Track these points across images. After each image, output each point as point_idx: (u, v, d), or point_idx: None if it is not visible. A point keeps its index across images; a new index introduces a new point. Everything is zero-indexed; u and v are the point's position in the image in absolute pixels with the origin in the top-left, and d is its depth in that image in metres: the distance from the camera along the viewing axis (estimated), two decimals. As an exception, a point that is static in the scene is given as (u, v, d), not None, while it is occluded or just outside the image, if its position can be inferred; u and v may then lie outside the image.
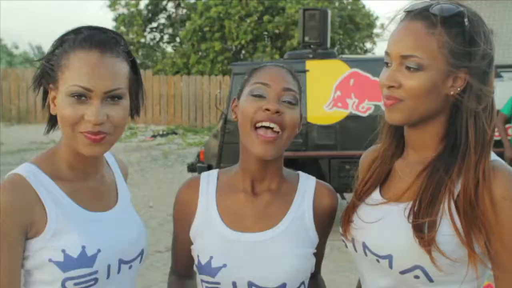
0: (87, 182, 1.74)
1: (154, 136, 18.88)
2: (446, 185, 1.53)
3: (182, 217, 1.89)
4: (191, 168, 8.99)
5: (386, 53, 1.60)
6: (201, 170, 8.36)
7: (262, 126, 1.71)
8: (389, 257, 1.56)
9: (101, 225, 1.70)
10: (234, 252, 1.75)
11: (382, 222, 1.62)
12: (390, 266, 1.57)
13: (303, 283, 1.78)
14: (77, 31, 1.66)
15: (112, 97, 1.61)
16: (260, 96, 1.73)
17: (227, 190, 1.86)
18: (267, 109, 1.69)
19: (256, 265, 1.73)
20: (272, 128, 1.70)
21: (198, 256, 1.78)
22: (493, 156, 1.58)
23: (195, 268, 1.81)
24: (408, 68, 1.54)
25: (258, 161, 1.77)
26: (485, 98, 1.57)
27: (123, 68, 1.66)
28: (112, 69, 1.62)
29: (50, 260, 1.57)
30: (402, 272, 1.55)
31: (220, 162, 7.85)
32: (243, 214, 1.81)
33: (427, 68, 1.52)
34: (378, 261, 1.61)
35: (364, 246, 1.65)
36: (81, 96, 1.58)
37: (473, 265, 1.51)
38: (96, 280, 1.62)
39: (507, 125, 7.36)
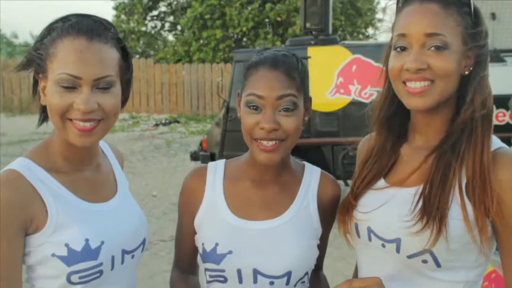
0: (84, 172, 1.72)
1: (156, 125, 18.87)
2: (454, 168, 1.52)
3: (188, 205, 1.89)
4: (194, 156, 9.00)
5: (402, 35, 1.56)
6: (204, 158, 8.39)
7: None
8: (397, 241, 1.55)
9: (102, 216, 1.68)
10: (239, 239, 1.75)
11: (388, 206, 1.61)
12: (398, 251, 1.55)
13: (306, 273, 1.78)
14: (65, 18, 1.62)
15: (102, 86, 1.57)
16: (256, 108, 1.70)
17: (234, 179, 1.87)
18: (263, 128, 1.68)
19: (261, 253, 1.73)
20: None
21: (203, 244, 1.78)
22: (500, 143, 1.57)
23: (199, 258, 1.81)
24: (435, 47, 1.51)
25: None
26: (487, 77, 1.59)
27: (113, 54, 1.62)
28: (100, 56, 1.57)
29: (53, 255, 1.55)
30: (410, 257, 1.53)
31: (223, 150, 7.85)
32: (250, 203, 1.82)
33: (451, 47, 1.52)
34: (383, 245, 1.59)
35: (370, 231, 1.64)
36: (70, 85, 1.54)
37: (484, 249, 1.50)
38: (101, 272, 1.61)
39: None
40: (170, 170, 11.84)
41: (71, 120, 1.56)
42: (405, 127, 1.73)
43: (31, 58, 1.63)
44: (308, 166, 1.92)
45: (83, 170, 1.72)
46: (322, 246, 1.88)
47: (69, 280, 1.55)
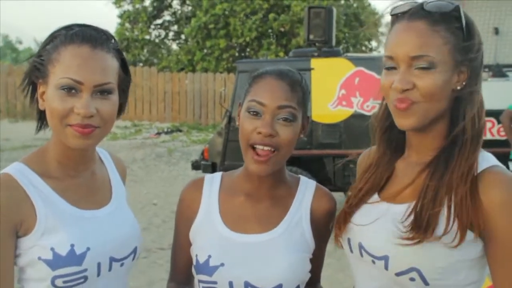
0: (78, 179, 1.75)
1: (158, 133, 18.88)
2: (445, 186, 1.52)
3: (184, 216, 1.91)
4: (195, 165, 9.01)
5: (389, 57, 1.57)
6: (205, 167, 8.39)
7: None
8: (385, 258, 1.55)
9: (91, 223, 1.70)
10: (232, 252, 1.77)
11: (378, 222, 1.61)
12: (386, 268, 1.55)
13: (298, 286, 1.78)
14: (68, 27, 1.68)
15: (102, 91, 1.63)
16: (256, 114, 1.74)
17: (230, 192, 1.89)
18: (260, 132, 1.71)
19: (252, 266, 1.75)
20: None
21: (196, 255, 1.80)
22: (494, 161, 1.56)
23: (193, 269, 1.82)
24: (420, 68, 1.51)
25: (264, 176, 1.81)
26: (480, 91, 1.59)
27: (113, 64, 1.68)
28: (102, 64, 1.64)
29: (39, 258, 1.58)
30: (398, 274, 1.53)
31: (224, 160, 7.86)
32: (243, 216, 1.84)
33: (438, 66, 1.51)
34: (373, 262, 1.59)
35: (360, 247, 1.64)
36: (71, 89, 1.59)
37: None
38: (85, 278, 1.62)
39: None
40: (171, 178, 11.85)
41: (70, 125, 1.61)
42: (403, 141, 1.73)
43: (34, 64, 1.68)
44: (303, 180, 1.93)
45: (77, 176, 1.75)
46: (318, 260, 1.89)
47: (53, 284, 1.58)
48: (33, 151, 1.76)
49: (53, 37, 1.67)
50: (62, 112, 1.59)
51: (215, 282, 1.75)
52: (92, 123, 1.61)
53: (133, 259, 1.80)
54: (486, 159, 1.56)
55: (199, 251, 1.80)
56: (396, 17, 1.61)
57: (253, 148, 1.74)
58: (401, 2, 1.62)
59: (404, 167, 1.68)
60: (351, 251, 1.69)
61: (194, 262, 1.80)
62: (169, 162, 13.97)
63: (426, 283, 1.50)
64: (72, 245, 1.60)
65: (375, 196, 1.70)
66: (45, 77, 1.65)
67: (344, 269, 5.85)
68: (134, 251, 1.79)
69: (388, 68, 1.59)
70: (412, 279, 1.51)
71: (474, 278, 1.54)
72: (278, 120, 1.72)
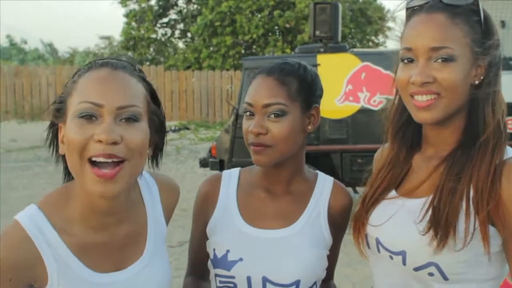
0: (103, 235, 1.50)
1: (166, 132, 18.89)
2: (463, 179, 1.50)
3: (202, 212, 1.91)
4: (203, 163, 8.99)
5: (408, 49, 1.54)
6: (213, 165, 8.39)
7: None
8: (402, 253, 1.54)
9: None
10: (250, 247, 1.78)
11: (396, 218, 1.60)
12: (404, 263, 1.54)
13: (315, 283, 1.79)
14: (89, 62, 1.50)
15: (127, 118, 1.38)
16: (251, 115, 1.77)
17: (248, 188, 1.90)
18: (252, 132, 1.74)
19: (271, 261, 1.75)
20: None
21: (214, 249, 1.80)
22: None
23: (209, 263, 1.83)
24: (441, 60, 1.49)
25: (266, 167, 1.83)
26: (499, 85, 1.58)
27: (139, 88, 1.45)
28: (125, 84, 1.41)
29: None
30: (416, 269, 1.52)
31: (232, 157, 7.86)
32: (262, 212, 1.84)
33: (458, 59, 1.49)
34: (391, 257, 1.59)
35: (378, 242, 1.63)
36: (91, 116, 1.36)
37: (492, 259, 1.49)
38: None
39: None
40: (179, 176, 11.86)
41: (91, 162, 1.35)
42: (418, 136, 1.71)
43: (54, 108, 1.47)
44: (321, 176, 1.93)
45: (104, 229, 1.50)
46: (332, 257, 1.89)
47: None
48: (55, 191, 1.51)
49: (74, 75, 1.48)
50: (80, 142, 1.34)
51: (233, 277, 1.76)
52: (117, 153, 1.34)
53: None
54: (507, 151, 1.54)
55: (217, 246, 1.80)
56: (413, 10, 1.59)
57: (251, 144, 1.76)
58: None
59: (421, 162, 1.67)
60: (369, 246, 1.68)
61: (212, 256, 1.81)
62: (177, 160, 13.99)
63: (445, 278, 1.49)
64: None
65: (393, 192, 1.68)
66: (64, 115, 1.42)
67: (352, 264, 5.85)
68: None
69: (406, 61, 1.56)
70: (430, 274, 1.50)
71: (494, 273, 1.53)
72: (269, 117, 1.74)
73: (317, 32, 8.10)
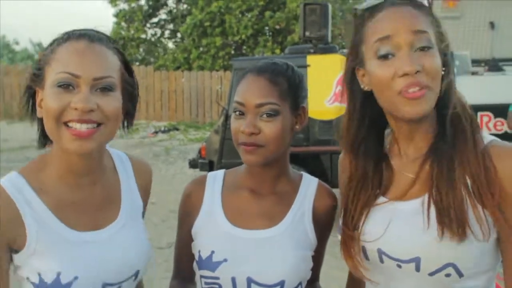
0: (80, 194, 1.61)
1: (155, 132, 18.87)
2: (456, 169, 1.48)
3: (187, 214, 1.92)
4: (193, 164, 9.00)
5: (386, 37, 1.47)
6: (203, 166, 8.39)
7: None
8: (415, 260, 1.49)
9: (86, 248, 1.57)
10: (235, 247, 1.78)
11: (395, 224, 1.55)
12: (417, 269, 1.49)
13: (300, 283, 1.79)
14: (66, 32, 1.58)
15: (102, 88, 1.49)
16: (241, 114, 1.77)
17: (233, 188, 1.90)
18: (243, 132, 1.74)
19: (255, 262, 1.76)
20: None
21: (199, 251, 1.81)
22: (490, 136, 1.54)
23: (195, 265, 1.83)
24: (422, 48, 1.44)
25: (256, 166, 1.82)
26: (452, 72, 1.56)
27: (114, 60, 1.56)
28: (101, 56, 1.51)
29: (27, 279, 1.52)
30: (432, 274, 1.48)
31: (222, 158, 7.86)
32: (246, 212, 1.84)
33: (434, 46, 1.47)
34: (399, 266, 1.53)
35: (381, 253, 1.56)
36: (68, 85, 1.46)
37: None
38: None
39: None
40: (169, 177, 11.84)
41: (67, 124, 1.47)
42: (381, 143, 1.68)
43: (32, 72, 1.57)
44: (306, 177, 1.94)
45: (79, 190, 1.61)
46: (317, 257, 1.89)
47: None
48: (33, 160, 1.63)
49: (51, 43, 1.57)
50: (58, 109, 1.45)
51: (217, 278, 1.76)
52: (92, 118, 1.46)
53: (134, 279, 1.68)
54: (484, 136, 1.53)
55: (201, 247, 1.81)
56: (371, 10, 1.55)
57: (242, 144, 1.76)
58: None
59: (403, 164, 1.63)
60: (367, 259, 1.62)
61: (197, 258, 1.81)
62: (167, 161, 13.96)
63: (461, 275, 1.46)
64: (59, 273, 1.50)
65: (381, 199, 1.63)
66: (42, 81, 1.52)
67: (340, 267, 5.83)
68: (136, 274, 1.67)
69: (384, 56, 1.48)
70: (448, 275, 1.46)
71: (494, 263, 1.52)
72: (261, 117, 1.74)
73: (307, 33, 8.12)
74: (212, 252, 1.78)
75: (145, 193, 1.82)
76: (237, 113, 1.78)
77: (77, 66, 1.46)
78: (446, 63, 1.52)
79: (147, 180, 1.85)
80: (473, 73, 7.42)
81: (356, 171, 1.67)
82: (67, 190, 1.59)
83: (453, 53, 6.28)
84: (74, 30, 1.57)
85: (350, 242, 1.63)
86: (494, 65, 7.64)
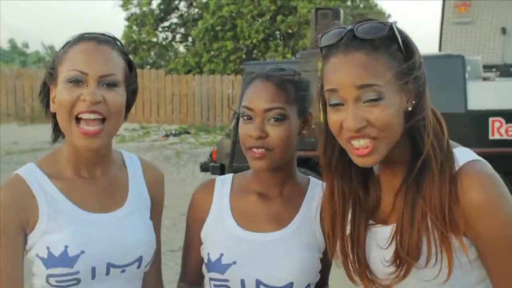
0: (90, 181, 1.77)
1: (166, 136, 18.91)
2: (420, 206, 1.46)
3: (196, 218, 1.94)
4: (204, 167, 9.00)
5: (333, 90, 1.45)
6: (214, 169, 8.39)
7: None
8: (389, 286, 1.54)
9: (94, 226, 1.71)
10: (244, 250, 1.80)
11: (370, 249, 1.59)
12: None
13: (309, 285, 1.81)
14: (77, 35, 1.75)
15: (108, 84, 1.66)
16: (249, 119, 1.80)
17: (241, 192, 1.93)
18: (251, 136, 1.76)
19: (264, 264, 1.78)
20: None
21: (208, 254, 1.83)
22: (468, 156, 1.49)
23: (204, 268, 1.85)
24: (369, 101, 1.40)
25: (264, 171, 1.84)
26: (428, 105, 1.49)
27: (119, 59, 1.73)
28: (107, 56, 1.69)
29: (37, 255, 1.64)
30: None
31: (233, 162, 7.85)
32: (255, 215, 1.87)
33: (387, 94, 1.41)
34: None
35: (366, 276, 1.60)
36: (78, 81, 1.64)
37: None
38: (78, 280, 1.65)
39: None
40: (179, 180, 11.87)
41: (77, 120, 1.65)
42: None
43: (47, 71, 1.75)
44: (313, 181, 1.95)
45: (90, 178, 1.78)
46: (326, 261, 1.88)
47: (48, 282, 1.63)
48: (47, 154, 1.82)
49: (64, 45, 1.75)
50: (69, 102, 1.64)
51: (227, 280, 1.79)
52: (99, 109, 1.63)
53: (138, 267, 1.78)
54: (461, 156, 1.49)
55: (211, 250, 1.83)
56: (328, 49, 1.50)
57: (250, 149, 1.78)
58: (327, 30, 1.52)
59: (386, 183, 1.62)
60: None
61: (206, 260, 1.83)
62: (178, 164, 13.99)
63: None
64: (66, 247, 1.63)
65: (370, 221, 1.63)
66: (55, 79, 1.70)
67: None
68: (139, 260, 1.77)
69: (335, 105, 1.46)
70: None
71: (484, 275, 1.50)
72: (269, 122, 1.77)
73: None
74: (221, 254, 1.80)
75: (154, 193, 1.93)
76: (245, 117, 1.81)
77: (86, 64, 1.65)
78: (417, 95, 1.48)
79: (156, 181, 1.97)
80: (485, 79, 7.40)
81: (336, 195, 1.63)
82: (79, 177, 1.76)
83: (465, 58, 6.28)
84: (84, 34, 1.75)
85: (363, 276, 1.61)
86: (506, 71, 7.62)
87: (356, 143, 1.44)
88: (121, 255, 1.73)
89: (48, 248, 1.63)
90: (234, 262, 1.79)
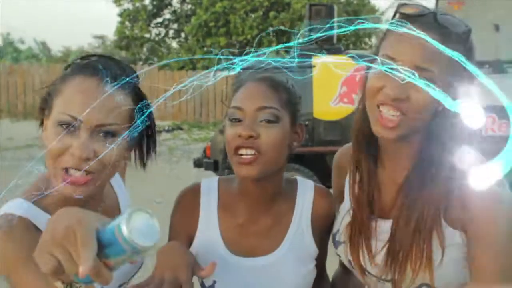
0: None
1: (159, 132, 18.90)
2: (418, 208, 1.48)
3: (183, 225, 1.84)
4: (197, 163, 9.02)
5: (391, 58, 1.47)
6: (208, 165, 8.41)
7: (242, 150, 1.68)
8: (391, 281, 1.55)
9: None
10: (237, 278, 1.75)
11: (373, 243, 1.61)
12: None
13: None
14: (85, 57, 1.53)
15: (104, 132, 1.42)
16: (238, 120, 1.69)
17: (229, 210, 1.82)
18: (241, 135, 1.65)
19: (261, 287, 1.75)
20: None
21: (202, 279, 1.76)
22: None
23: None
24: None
25: (248, 182, 1.74)
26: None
27: (123, 100, 1.45)
28: (109, 101, 1.39)
29: None
30: None
31: (226, 158, 7.83)
32: (245, 238, 1.79)
33: (437, 81, 1.36)
34: (384, 282, 1.59)
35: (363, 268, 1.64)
36: (69, 126, 1.39)
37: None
38: None
39: None
40: (172, 177, 11.84)
41: (64, 169, 1.41)
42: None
43: (45, 94, 1.51)
44: (301, 185, 1.88)
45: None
46: (321, 257, 1.88)
47: None
48: (32, 186, 1.51)
49: (68, 66, 1.52)
50: (57, 151, 1.39)
51: None
52: (89, 168, 1.39)
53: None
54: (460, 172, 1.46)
55: None
56: (407, 17, 1.46)
57: (238, 154, 1.67)
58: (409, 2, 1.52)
59: (386, 179, 1.63)
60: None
61: (199, 283, 1.77)
62: (170, 161, 13.97)
63: None
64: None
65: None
66: (50, 109, 1.46)
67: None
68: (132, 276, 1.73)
69: (234, 120, 1.58)
70: None
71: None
72: (260, 122, 1.66)
73: (312, 34, 8.11)
74: (214, 282, 1.74)
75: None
76: (234, 120, 1.70)
77: (80, 109, 1.38)
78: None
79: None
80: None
81: (365, 168, 1.67)
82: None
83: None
84: (88, 61, 1.50)
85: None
86: (500, 67, 7.64)
87: (385, 111, 1.45)
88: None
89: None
90: None
